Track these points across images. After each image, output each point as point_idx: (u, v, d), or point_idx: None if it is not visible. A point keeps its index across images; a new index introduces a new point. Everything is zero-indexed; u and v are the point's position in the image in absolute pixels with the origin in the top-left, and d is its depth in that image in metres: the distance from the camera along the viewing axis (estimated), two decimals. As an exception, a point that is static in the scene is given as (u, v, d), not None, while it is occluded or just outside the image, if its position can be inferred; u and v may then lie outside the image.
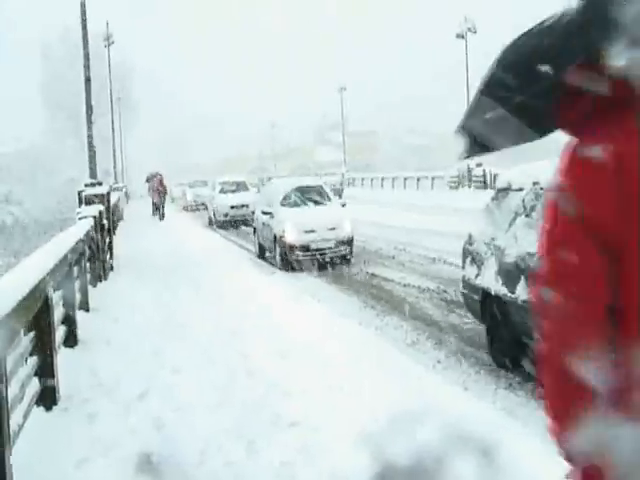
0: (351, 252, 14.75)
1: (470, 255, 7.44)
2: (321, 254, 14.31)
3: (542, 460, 3.05)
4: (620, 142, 1.36)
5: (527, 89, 1.44)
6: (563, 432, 1.38)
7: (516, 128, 1.51)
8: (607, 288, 1.36)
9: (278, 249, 14.62)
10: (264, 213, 15.63)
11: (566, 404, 1.39)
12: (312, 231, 14.33)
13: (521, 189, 6.63)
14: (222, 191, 28.66)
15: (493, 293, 6.63)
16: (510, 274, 6.24)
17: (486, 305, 6.93)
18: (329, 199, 16.17)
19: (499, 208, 7.05)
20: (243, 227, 25.56)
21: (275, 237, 14.77)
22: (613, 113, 1.38)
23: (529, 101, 1.45)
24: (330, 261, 14.21)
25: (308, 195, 15.90)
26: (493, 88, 1.50)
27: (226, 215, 27.44)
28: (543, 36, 1.42)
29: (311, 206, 15.59)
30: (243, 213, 26.76)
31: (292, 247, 14.25)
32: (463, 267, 7.63)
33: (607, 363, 1.32)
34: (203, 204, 36.33)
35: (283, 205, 15.43)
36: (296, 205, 15.52)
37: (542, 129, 1.52)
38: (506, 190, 7.09)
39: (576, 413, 1.34)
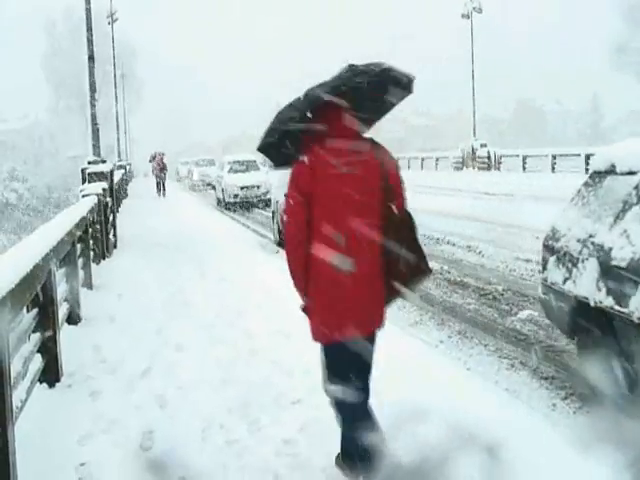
0: None
1: (556, 254, 5.79)
2: None
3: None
4: (313, 155, 3.43)
5: (288, 136, 3.52)
6: (294, 278, 3.57)
7: (286, 155, 3.63)
8: (306, 212, 3.41)
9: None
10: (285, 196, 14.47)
11: (294, 258, 3.52)
12: None
13: (632, 172, 5.13)
14: (231, 170, 27.10)
15: (592, 304, 5.09)
16: (620, 282, 4.78)
17: (579, 317, 5.38)
18: None
19: (598, 196, 5.53)
20: (250, 209, 25.24)
21: None
22: (316, 145, 3.43)
23: (290, 141, 3.54)
24: None
25: None
26: (274, 132, 3.54)
27: (236, 196, 25.91)
28: (291, 111, 3.49)
29: None
30: (254, 194, 25.66)
31: None
32: (544, 268, 5.97)
33: (305, 238, 3.44)
34: (210, 184, 34.33)
35: None
36: None
37: (296, 153, 3.54)
38: (609, 173, 5.52)
39: (296, 262, 3.51)
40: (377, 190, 3.46)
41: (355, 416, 3.56)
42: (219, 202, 27.85)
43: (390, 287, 3.53)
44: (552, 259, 5.84)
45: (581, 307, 5.31)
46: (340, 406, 3.60)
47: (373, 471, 3.43)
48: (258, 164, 28.22)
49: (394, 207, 3.51)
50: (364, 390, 3.59)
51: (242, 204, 25.80)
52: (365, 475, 3.49)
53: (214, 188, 30.06)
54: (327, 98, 3.38)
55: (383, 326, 3.63)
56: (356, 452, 3.49)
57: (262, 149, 3.66)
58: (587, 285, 5.21)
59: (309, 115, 3.47)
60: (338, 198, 3.40)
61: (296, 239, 3.47)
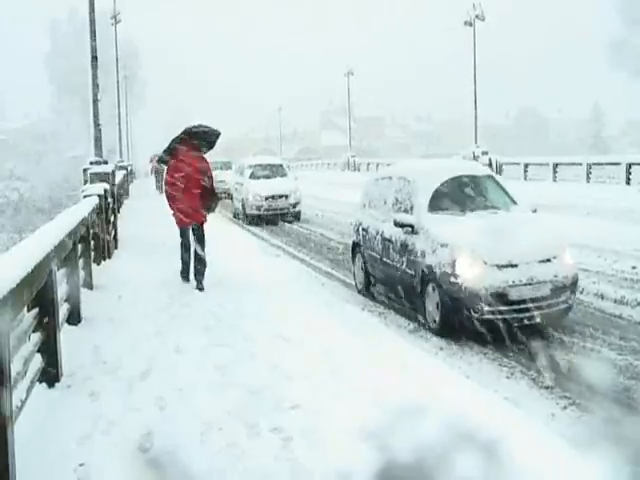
0: (572, 306, 8.15)
1: None
2: (530, 309, 7.58)
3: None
4: (174, 160, 9.54)
5: (169, 151, 9.80)
6: (168, 204, 9.78)
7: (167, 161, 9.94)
8: (170, 182, 9.59)
9: (439, 294, 8.02)
10: (399, 225, 8.88)
11: (168, 198, 9.75)
12: (511, 265, 7.71)
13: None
14: (253, 176, 22.27)
15: None
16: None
17: None
18: (512, 201, 9.13)
19: None
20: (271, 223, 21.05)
21: (429, 272, 8.17)
22: (175, 156, 9.59)
23: (169, 153, 9.80)
24: (541, 323, 7.72)
25: (474, 194, 9.18)
26: (168, 150, 9.80)
27: (259, 208, 21.32)
28: (172, 142, 9.82)
29: (488, 216, 8.61)
30: (282, 206, 21.27)
31: (475, 295, 7.64)
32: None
33: (172, 191, 9.66)
34: (225, 192, 25.95)
35: (435, 211, 8.70)
36: (461, 213, 8.68)
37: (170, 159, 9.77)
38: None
39: (168, 200, 9.76)
40: (198, 174, 9.30)
41: (186, 260, 9.67)
42: (236, 214, 23.43)
43: (204, 207, 9.41)
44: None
45: None
46: (182, 256, 9.68)
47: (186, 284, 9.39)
48: (285, 169, 23.86)
49: (207, 182, 9.40)
50: (195, 251, 9.47)
51: (265, 217, 21.31)
52: (186, 282, 9.56)
53: (230, 197, 25.34)
54: (175, 143, 9.47)
55: (206, 221, 9.62)
56: (185, 275, 9.72)
57: (160, 160, 10.23)
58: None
59: (176, 144, 9.44)
60: (181, 175, 9.23)
61: (167, 192, 9.49)
